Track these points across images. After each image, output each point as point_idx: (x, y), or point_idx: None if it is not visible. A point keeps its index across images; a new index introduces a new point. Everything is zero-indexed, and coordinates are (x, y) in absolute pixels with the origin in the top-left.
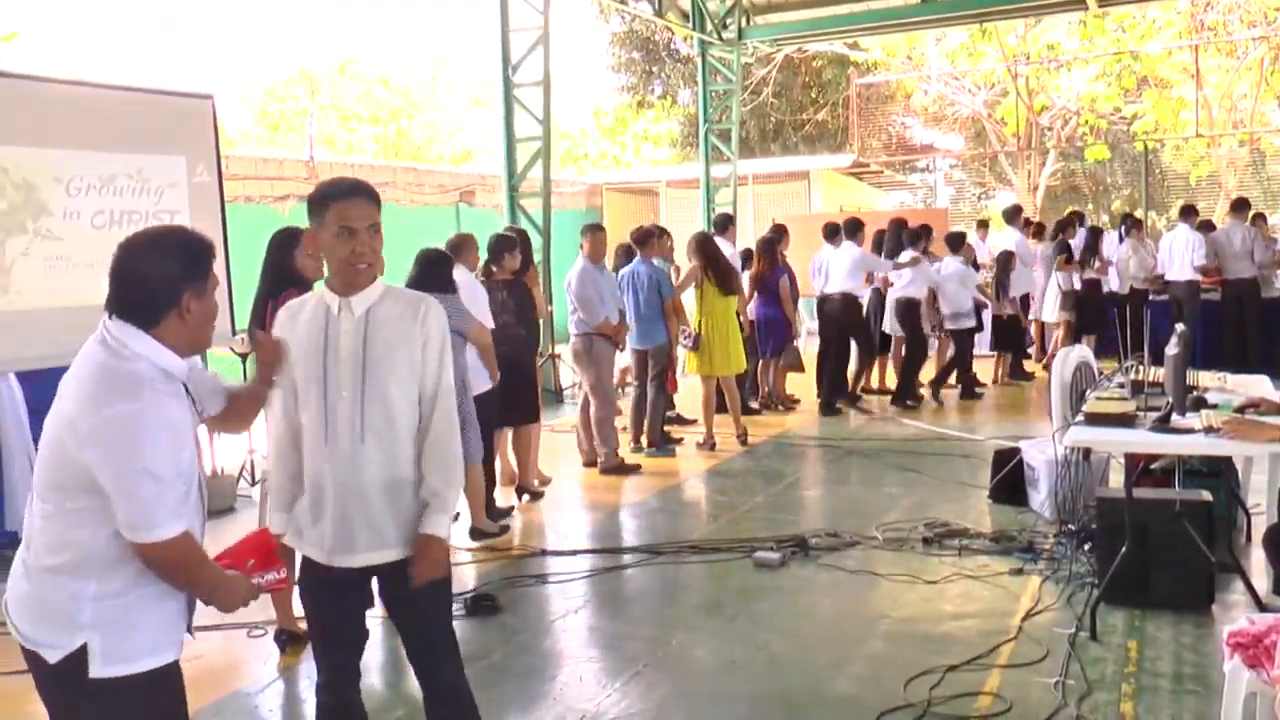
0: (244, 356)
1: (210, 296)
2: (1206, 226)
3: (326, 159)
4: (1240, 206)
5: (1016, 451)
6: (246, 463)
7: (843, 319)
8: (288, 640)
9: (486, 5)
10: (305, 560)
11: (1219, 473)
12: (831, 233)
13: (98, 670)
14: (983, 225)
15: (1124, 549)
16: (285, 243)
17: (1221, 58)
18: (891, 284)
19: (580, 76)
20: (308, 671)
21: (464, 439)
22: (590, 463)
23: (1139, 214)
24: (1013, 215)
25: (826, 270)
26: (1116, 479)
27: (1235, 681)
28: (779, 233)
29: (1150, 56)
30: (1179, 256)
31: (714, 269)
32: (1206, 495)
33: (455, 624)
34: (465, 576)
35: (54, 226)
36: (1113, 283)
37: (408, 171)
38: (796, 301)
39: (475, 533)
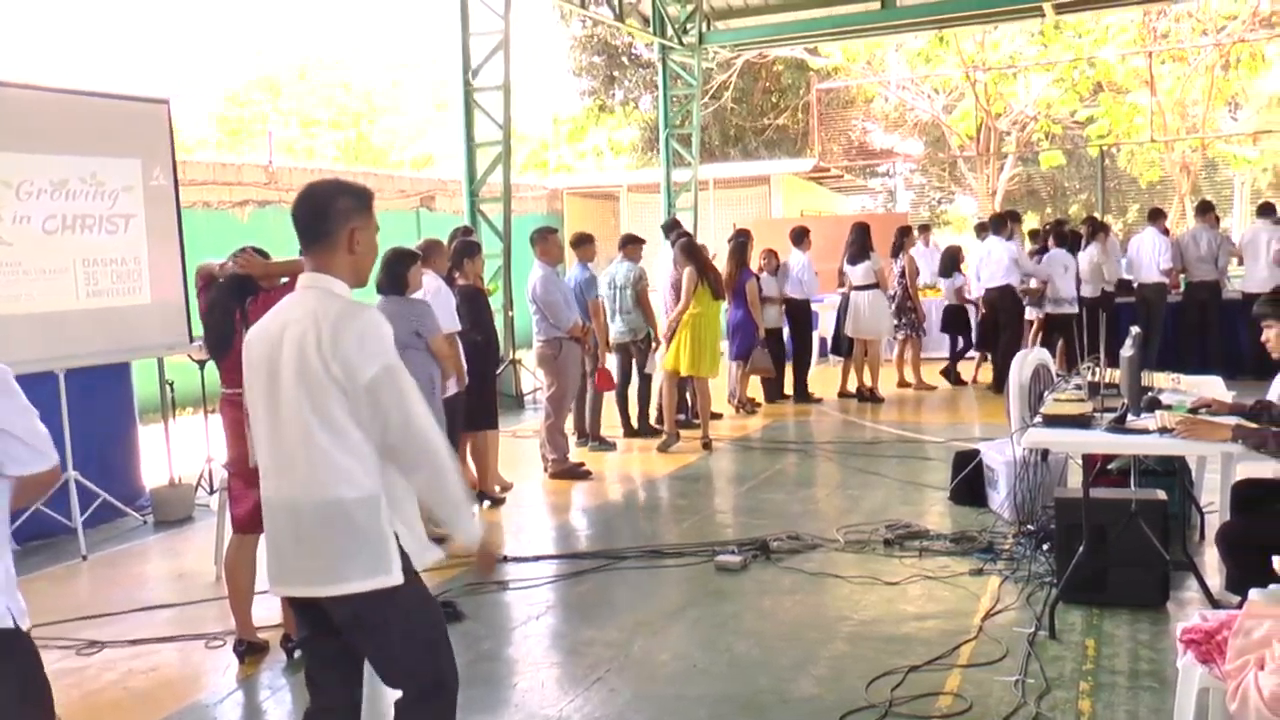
0: (202, 364)
1: None
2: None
3: (286, 164)
4: (1205, 210)
5: (976, 453)
6: (205, 471)
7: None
8: (246, 650)
9: (447, 9)
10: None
11: (1174, 472)
12: (797, 238)
13: None
14: (924, 229)
15: (1081, 548)
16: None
17: (1174, 64)
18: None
19: (541, 81)
20: (268, 681)
21: None
22: (557, 474)
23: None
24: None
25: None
26: (1075, 479)
27: (1188, 677)
28: (746, 236)
29: (1105, 63)
30: (1147, 259)
31: (708, 273)
32: (1161, 494)
33: None
34: (427, 584)
35: (3, 232)
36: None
37: (368, 176)
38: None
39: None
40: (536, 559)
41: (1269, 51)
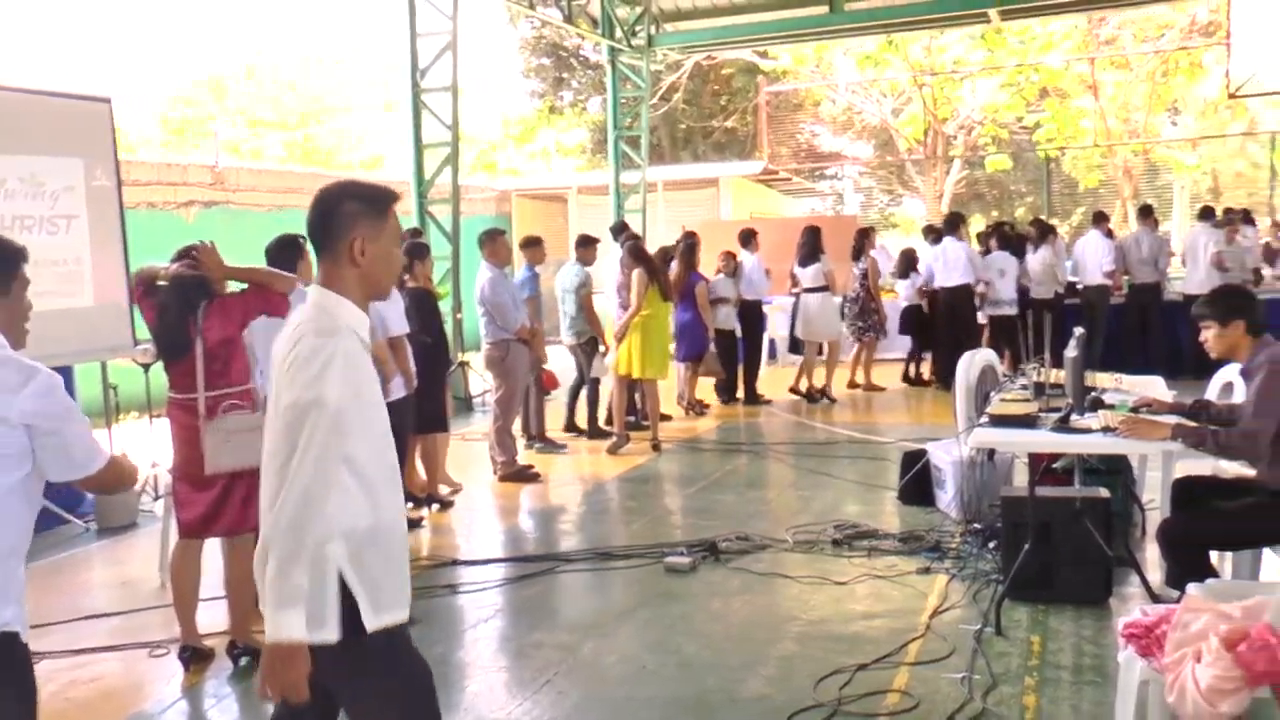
0: (146, 367)
1: (20, 296)
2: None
3: (233, 165)
4: (1146, 213)
5: (924, 453)
6: (150, 478)
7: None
8: (192, 657)
9: (395, 9)
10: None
11: (1116, 470)
12: (746, 240)
13: None
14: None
15: (1027, 546)
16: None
17: (1117, 71)
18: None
19: (490, 82)
20: (213, 689)
21: None
22: (506, 476)
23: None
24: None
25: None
26: (1021, 478)
27: (1129, 670)
28: (694, 239)
29: (1049, 68)
30: (1091, 261)
31: (656, 275)
32: (1105, 493)
33: None
34: None
35: None
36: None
37: (316, 178)
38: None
39: None
40: (486, 562)
41: (1206, 59)
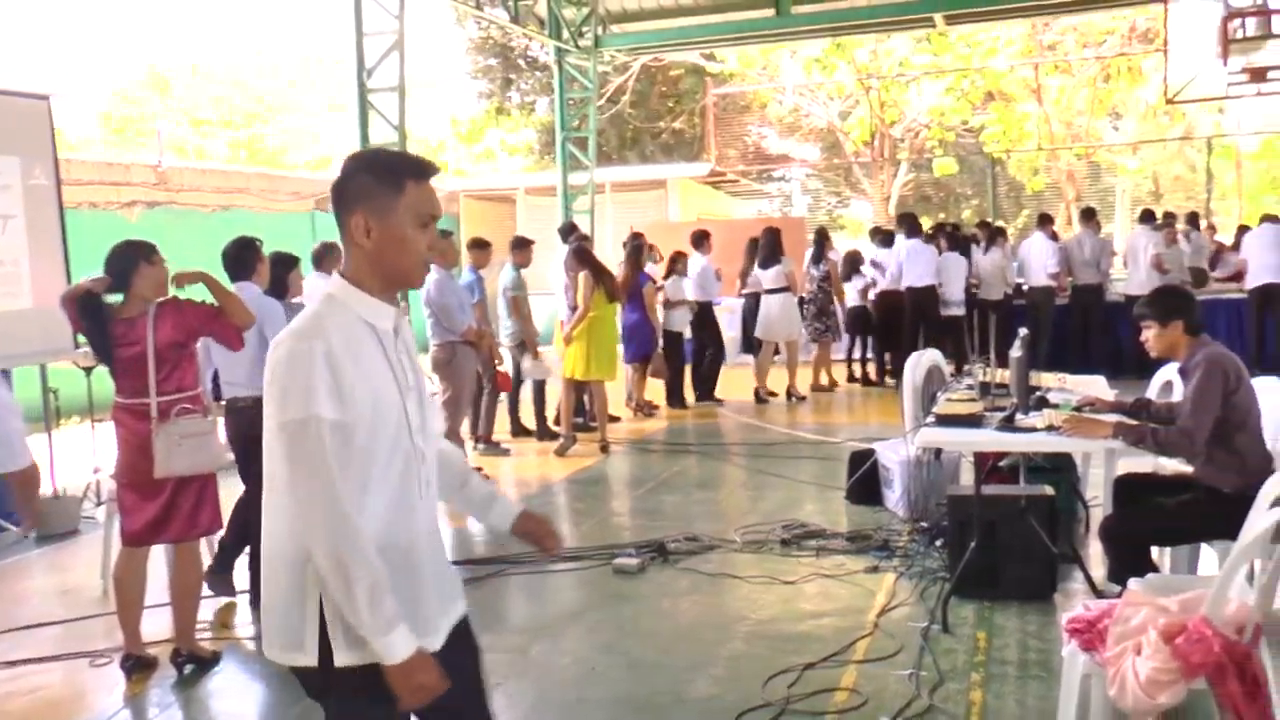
0: (88, 370)
1: None
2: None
3: (177, 164)
4: (1089, 216)
5: (872, 452)
6: (92, 484)
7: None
8: (134, 666)
9: (342, 8)
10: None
11: (1061, 468)
12: (698, 241)
13: None
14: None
15: (973, 544)
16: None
17: (1060, 76)
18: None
19: (438, 83)
20: (157, 698)
21: None
22: None
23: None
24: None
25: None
26: (967, 477)
27: (1072, 664)
28: (641, 240)
29: (992, 73)
30: (1036, 263)
31: (602, 277)
32: (1049, 490)
33: None
34: None
35: None
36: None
37: (262, 178)
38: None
39: None
40: None
41: (1146, 65)
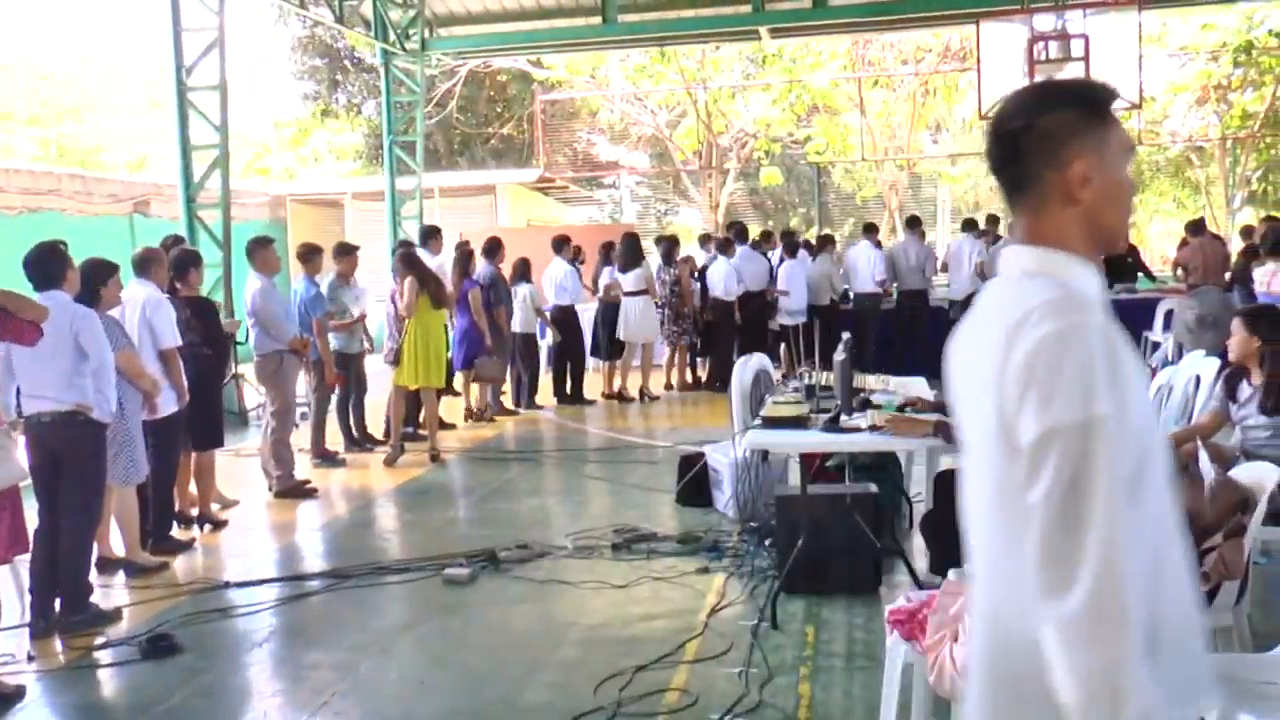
0: None
1: None
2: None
3: None
4: (913, 224)
5: (701, 456)
6: None
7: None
8: None
9: (158, 2)
10: None
11: (885, 466)
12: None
13: None
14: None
15: (801, 542)
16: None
17: (882, 90)
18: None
19: (261, 82)
20: None
21: (120, 461)
22: (282, 492)
23: (813, 231)
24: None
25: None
26: (796, 477)
27: (894, 654)
28: (468, 247)
29: (811, 87)
30: (863, 270)
31: (427, 284)
32: (873, 488)
33: (128, 670)
34: (139, 616)
35: None
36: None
37: (75, 179)
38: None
39: (132, 567)
40: (260, 583)
41: (963, 82)
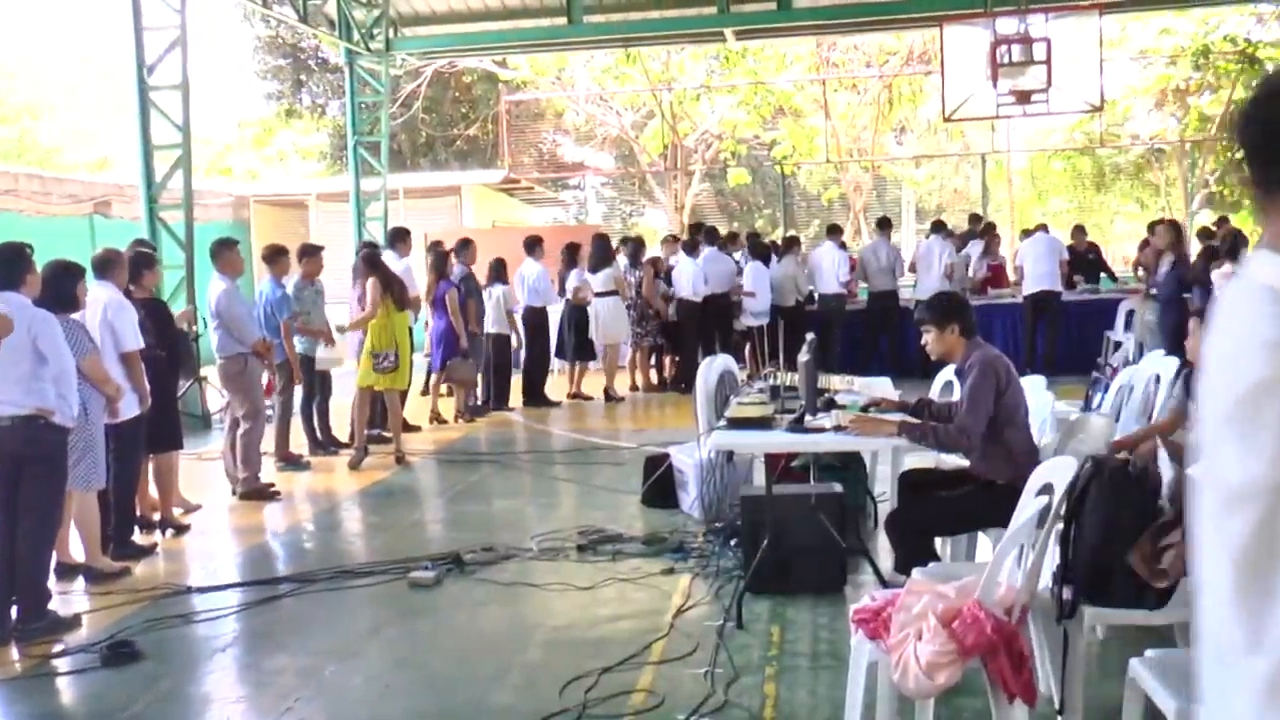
0: None
1: None
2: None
3: None
4: (883, 225)
5: (666, 457)
6: None
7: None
8: None
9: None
10: None
11: (850, 466)
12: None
13: None
14: (635, 241)
15: (766, 542)
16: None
17: (846, 92)
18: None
19: (224, 82)
20: None
21: (82, 466)
22: (246, 494)
23: (778, 232)
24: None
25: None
26: (761, 478)
27: (859, 653)
28: (441, 247)
29: (774, 89)
30: (828, 271)
31: (391, 285)
32: (838, 488)
33: (88, 678)
34: (100, 623)
35: None
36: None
37: (33, 179)
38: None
39: (91, 573)
40: (222, 588)
41: (927, 85)
